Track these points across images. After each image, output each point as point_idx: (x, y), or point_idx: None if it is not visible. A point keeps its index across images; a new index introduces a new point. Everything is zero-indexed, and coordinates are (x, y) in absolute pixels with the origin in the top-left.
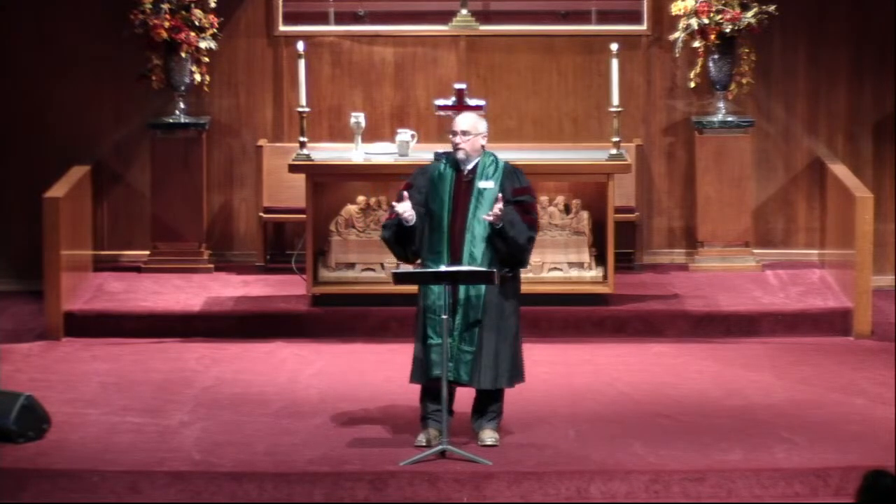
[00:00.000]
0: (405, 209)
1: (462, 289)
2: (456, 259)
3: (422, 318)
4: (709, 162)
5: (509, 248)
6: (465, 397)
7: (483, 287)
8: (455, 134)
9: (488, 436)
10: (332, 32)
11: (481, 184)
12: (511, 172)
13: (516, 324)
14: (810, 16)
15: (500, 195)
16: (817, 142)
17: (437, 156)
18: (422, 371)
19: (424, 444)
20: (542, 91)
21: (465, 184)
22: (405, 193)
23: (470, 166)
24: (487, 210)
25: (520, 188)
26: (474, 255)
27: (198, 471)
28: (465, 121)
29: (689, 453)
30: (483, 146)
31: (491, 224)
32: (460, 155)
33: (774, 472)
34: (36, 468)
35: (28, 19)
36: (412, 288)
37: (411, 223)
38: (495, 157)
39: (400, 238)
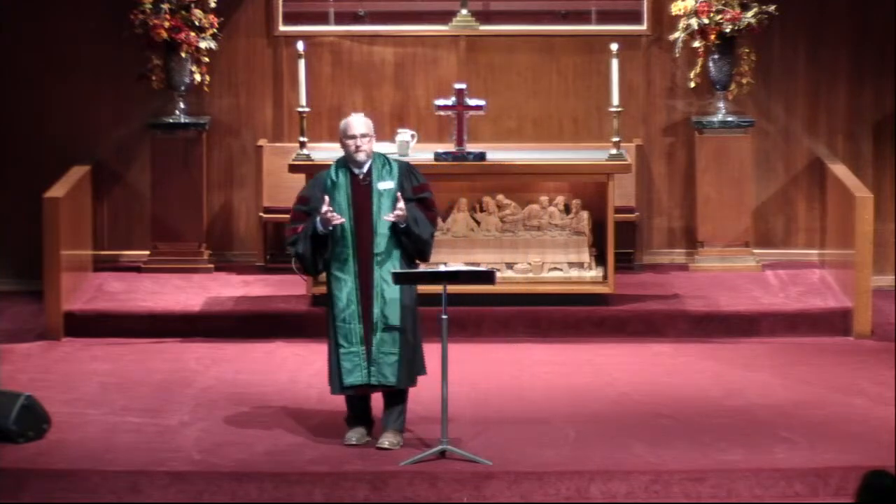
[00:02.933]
0: (337, 221)
1: (378, 293)
2: (365, 263)
3: (332, 326)
4: (709, 162)
5: (414, 245)
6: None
7: (398, 289)
8: (354, 137)
9: (387, 438)
10: (332, 32)
11: (380, 185)
12: (408, 171)
13: (418, 320)
14: (810, 16)
15: (399, 194)
16: (817, 142)
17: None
18: (338, 381)
19: (354, 441)
20: (542, 91)
21: (363, 187)
22: (326, 199)
23: (365, 169)
24: (390, 210)
25: (419, 185)
26: (383, 258)
27: (198, 471)
28: (362, 124)
29: (689, 453)
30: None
31: (394, 223)
32: (361, 157)
33: (774, 472)
34: (36, 468)
35: (28, 19)
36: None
37: (328, 229)
38: (386, 157)
39: (316, 249)
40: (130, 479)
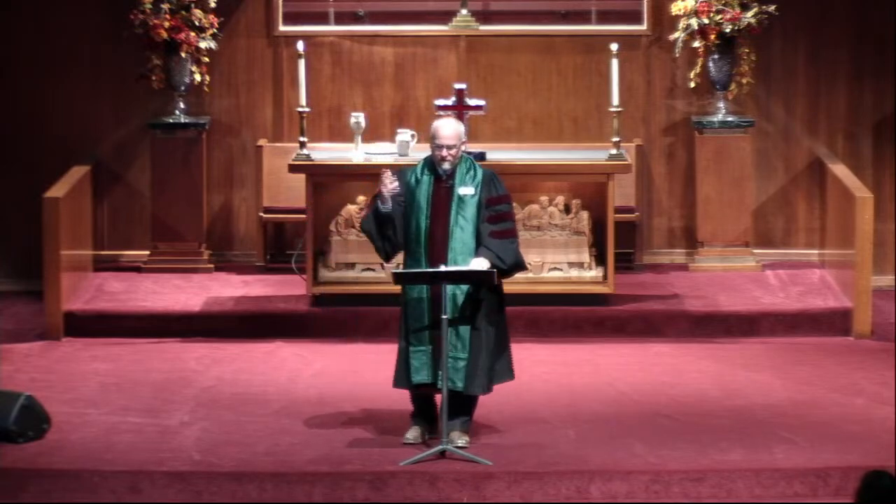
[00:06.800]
0: (392, 185)
1: (449, 293)
2: (437, 265)
3: (403, 323)
4: (709, 162)
5: (510, 271)
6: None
7: (466, 289)
8: (440, 147)
9: (459, 437)
10: (332, 32)
11: (461, 190)
12: (490, 180)
13: (504, 324)
14: (810, 16)
15: (478, 257)
16: (817, 142)
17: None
18: (405, 377)
19: (412, 440)
20: (542, 91)
21: (444, 189)
22: (394, 175)
23: (449, 171)
24: (469, 216)
25: (496, 197)
26: (458, 263)
27: (198, 471)
28: (451, 135)
29: (689, 453)
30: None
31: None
32: (446, 167)
33: (774, 472)
34: (36, 468)
35: (28, 19)
36: None
37: (388, 206)
38: (472, 161)
39: (380, 227)
40: (130, 479)
